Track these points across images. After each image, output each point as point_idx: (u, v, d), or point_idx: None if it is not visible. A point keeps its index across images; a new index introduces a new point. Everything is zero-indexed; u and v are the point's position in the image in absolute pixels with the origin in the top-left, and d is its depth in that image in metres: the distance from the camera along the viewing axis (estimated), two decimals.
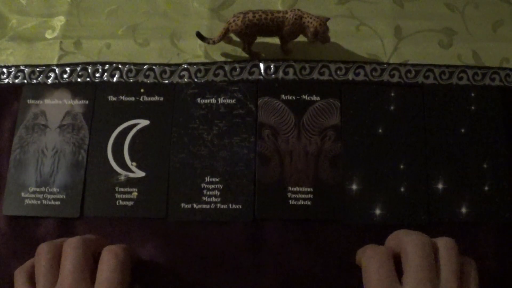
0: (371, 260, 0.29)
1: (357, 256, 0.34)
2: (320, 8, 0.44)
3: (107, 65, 0.42)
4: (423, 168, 0.38)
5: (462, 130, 0.39)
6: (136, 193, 0.38)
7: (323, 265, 0.36)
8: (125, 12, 0.45)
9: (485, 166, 0.38)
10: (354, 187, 0.38)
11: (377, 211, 0.37)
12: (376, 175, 0.38)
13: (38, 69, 0.43)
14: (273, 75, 0.41)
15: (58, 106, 0.41)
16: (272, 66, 0.41)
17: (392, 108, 0.39)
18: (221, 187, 0.38)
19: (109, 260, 0.30)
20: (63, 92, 0.41)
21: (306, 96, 0.40)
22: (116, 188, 0.38)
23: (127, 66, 0.42)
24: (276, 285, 0.36)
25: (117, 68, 0.42)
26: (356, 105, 0.40)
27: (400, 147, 0.38)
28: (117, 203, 0.38)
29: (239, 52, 0.43)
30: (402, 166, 0.38)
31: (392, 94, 0.40)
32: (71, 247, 0.30)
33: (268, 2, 0.45)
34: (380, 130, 0.39)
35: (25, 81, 0.42)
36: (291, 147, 0.38)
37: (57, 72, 0.42)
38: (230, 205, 0.38)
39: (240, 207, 0.37)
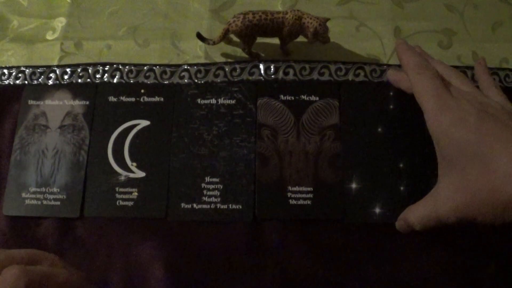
0: (421, 76, 0.33)
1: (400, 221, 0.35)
2: (320, 8, 0.44)
3: (108, 66, 0.42)
4: (423, 167, 0.38)
5: None
6: (136, 193, 0.38)
7: (323, 265, 0.36)
8: (126, 13, 0.45)
9: None
10: (353, 186, 0.38)
11: (377, 210, 0.37)
12: (375, 174, 0.38)
13: (39, 70, 0.43)
14: (273, 76, 0.41)
15: (58, 106, 0.41)
16: (272, 67, 0.41)
17: (391, 107, 0.40)
18: (221, 187, 0.38)
19: None
20: (64, 92, 0.41)
21: (305, 96, 0.40)
22: (116, 188, 0.38)
23: (127, 67, 0.42)
24: (276, 285, 0.36)
25: (117, 69, 0.42)
26: (355, 104, 0.40)
27: (400, 146, 0.39)
28: (117, 203, 0.38)
29: (239, 53, 0.43)
30: (401, 165, 0.38)
31: (391, 93, 0.40)
32: (6, 282, 0.23)
33: (268, 2, 0.45)
34: (379, 129, 0.39)
35: (26, 82, 0.42)
36: (291, 147, 0.38)
37: (57, 73, 0.42)
38: (230, 205, 0.38)
39: (240, 207, 0.37)
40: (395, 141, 0.39)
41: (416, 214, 0.33)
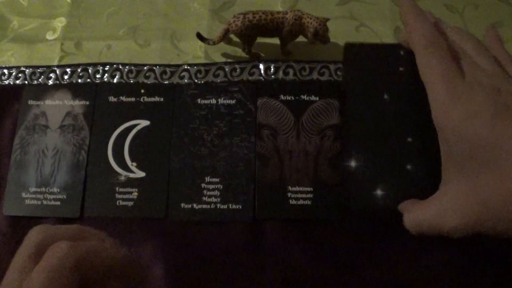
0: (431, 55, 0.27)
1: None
2: (320, 9, 0.44)
3: (108, 66, 0.42)
4: (435, 143, 0.30)
5: None
6: (136, 193, 0.38)
7: (323, 265, 0.36)
8: (126, 13, 0.45)
9: None
10: (353, 164, 0.31)
11: (379, 192, 0.31)
12: (379, 150, 0.31)
13: (39, 70, 0.43)
14: (273, 76, 0.41)
15: (58, 106, 0.41)
16: (272, 67, 0.41)
17: (401, 69, 0.32)
18: (221, 187, 0.38)
19: (47, 259, 0.22)
20: (64, 93, 0.41)
21: (305, 96, 0.40)
22: (116, 188, 0.38)
23: (127, 67, 0.42)
24: (276, 285, 0.36)
25: (117, 69, 0.42)
26: (358, 67, 0.33)
27: (410, 116, 0.32)
28: (117, 203, 0.38)
29: (239, 53, 0.43)
30: (410, 140, 0.31)
31: (402, 53, 0.32)
32: (54, 257, 0.23)
33: (268, 3, 0.45)
34: (385, 96, 0.32)
35: (26, 82, 0.42)
36: (291, 147, 0.39)
37: (57, 73, 0.43)
38: (230, 205, 0.38)
39: (240, 207, 0.37)
40: (403, 110, 0.32)
41: (413, 218, 0.28)
